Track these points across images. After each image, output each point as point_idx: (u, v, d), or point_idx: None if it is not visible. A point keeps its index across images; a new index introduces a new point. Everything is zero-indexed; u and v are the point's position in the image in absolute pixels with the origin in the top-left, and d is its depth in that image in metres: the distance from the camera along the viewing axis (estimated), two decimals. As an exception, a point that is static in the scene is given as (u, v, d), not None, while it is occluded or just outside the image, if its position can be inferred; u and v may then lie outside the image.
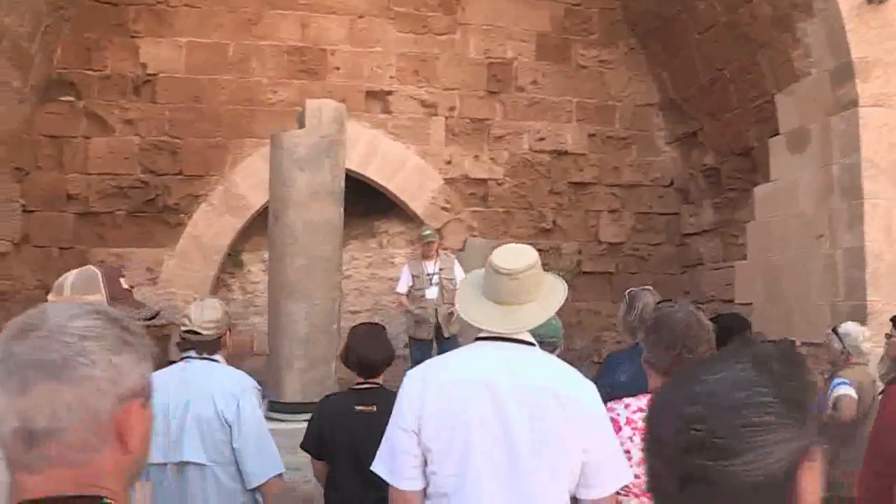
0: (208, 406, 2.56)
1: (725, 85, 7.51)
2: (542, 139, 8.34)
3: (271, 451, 2.62)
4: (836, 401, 3.64)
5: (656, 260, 8.56)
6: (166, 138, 7.65)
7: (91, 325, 1.01)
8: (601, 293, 8.33)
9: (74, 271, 1.94)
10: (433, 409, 1.92)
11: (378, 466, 2.00)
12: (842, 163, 6.08)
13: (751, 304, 7.22)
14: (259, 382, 6.23)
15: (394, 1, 8.11)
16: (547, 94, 8.37)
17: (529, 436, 1.89)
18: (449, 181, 8.13)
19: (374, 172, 7.93)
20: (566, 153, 8.38)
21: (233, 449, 2.56)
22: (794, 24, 6.37)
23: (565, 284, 2.13)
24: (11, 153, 7.02)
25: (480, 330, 2.04)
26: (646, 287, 3.45)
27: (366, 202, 8.11)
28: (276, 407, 5.45)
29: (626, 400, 2.30)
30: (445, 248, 7.65)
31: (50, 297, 1.91)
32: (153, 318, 1.87)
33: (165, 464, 2.58)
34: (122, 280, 1.89)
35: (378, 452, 2.01)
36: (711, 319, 3.57)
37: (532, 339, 2.05)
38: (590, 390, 2.00)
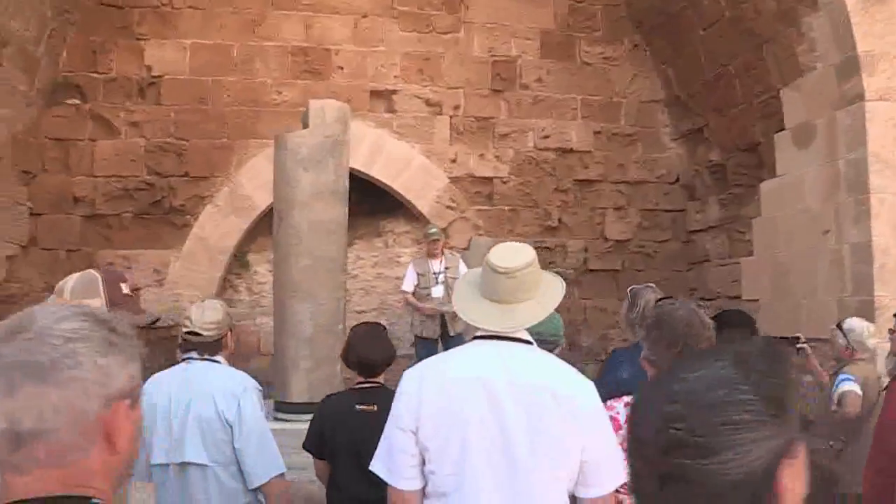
0: (209, 406, 2.57)
1: (730, 80, 7.48)
2: (547, 137, 8.33)
3: (273, 450, 2.63)
4: (841, 397, 3.61)
5: (662, 257, 8.54)
6: (172, 140, 7.69)
7: (78, 327, 1.02)
8: (607, 291, 8.31)
9: (76, 275, 1.95)
10: (430, 409, 1.92)
11: (376, 466, 2.00)
12: (848, 157, 6.04)
13: (757, 300, 7.19)
14: (266, 382, 6.26)
15: (397, 0, 8.11)
16: (551, 92, 8.35)
17: (527, 435, 1.89)
18: (454, 180, 8.13)
19: (379, 172, 7.94)
20: (571, 151, 8.37)
21: (234, 449, 2.57)
22: (799, 18, 6.34)
23: (563, 282, 2.13)
24: (18, 156, 7.06)
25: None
26: (648, 284, 3.44)
27: (371, 202, 8.12)
28: (282, 407, 5.47)
29: (627, 398, 2.30)
30: (451, 247, 7.66)
31: (50, 299, 1.93)
32: (154, 323, 1.87)
33: (167, 464, 2.59)
34: (123, 285, 1.90)
35: (376, 452, 2.01)
36: (715, 317, 3.57)
37: (530, 338, 2.05)
38: (588, 389, 1.99)
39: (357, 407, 2.78)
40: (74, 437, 0.98)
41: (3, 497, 0.99)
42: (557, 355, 3.02)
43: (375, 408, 2.68)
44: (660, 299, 2.85)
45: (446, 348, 6.32)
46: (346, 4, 8.01)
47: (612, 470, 1.92)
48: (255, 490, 2.61)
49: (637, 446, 0.84)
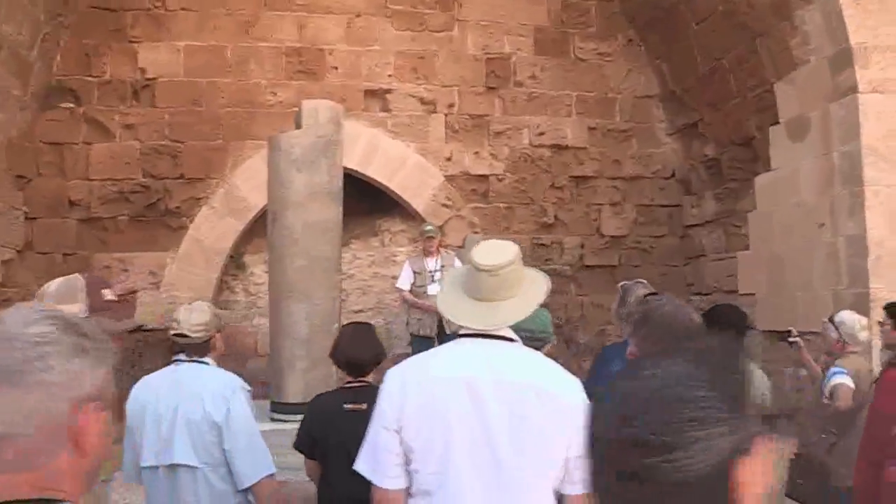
0: (198, 408, 2.57)
1: (725, 75, 7.47)
2: (542, 134, 8.32)
3: (262, 451, 2.63)
4: (833, 390, 3.61)
5: (659, 252, 8.54)
6: (166, 142, 7.69)
7: (46, 331, 1.02)
8: (604, 287, 8.30)
9: (59, 279, 1.96)
10: (413, 407, 1.92)
11: (361, 465, 2.01)
12: (842, 150, 6.04)
13: (754, 294, 7.19)
14: (262, 383, 6.26)
15: (390, -1, 8.12)
16: (546, 89, 8.35)
17: (511, 433, 1.89)
18: (450, 178, 8.13)
19: (375, 171, 7.94)
20: (566, 147, 8.36)
21: (223, 450, 2.57)
22: (792, 11, 6.33)
23: (548, 279, 2.13)
24: (13, 161, 7.06)
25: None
26: (639, 280, 3.44)
27: (367, 201, 8.12)
28: (278, 407, 5.48)
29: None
30: (447, 246, 7.66)
31: (33, 303, 1.93)
32: (137, 330, 1.88)
33: (157, 466, 2.59)
34: (106, 291, 1.91)
35: (360, 451, 2.01)
36: (707, 311, 3.57)
37: (514, 336, 2.05)
38: (573, 386, 1.99)
39: (346, 406, 2.78)
40: (43, 441, 0.99)
41: (-28, 500, 0.99)
42: (549, 352, 3.04)
43: (365, 406, 2.68)
44: (646, 295, 2.85)
45: (442, 347, 6.31)
46: (339, 4, 8.01)
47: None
48: (245, 491, 2.62)
49: (595, 444, 0.84)
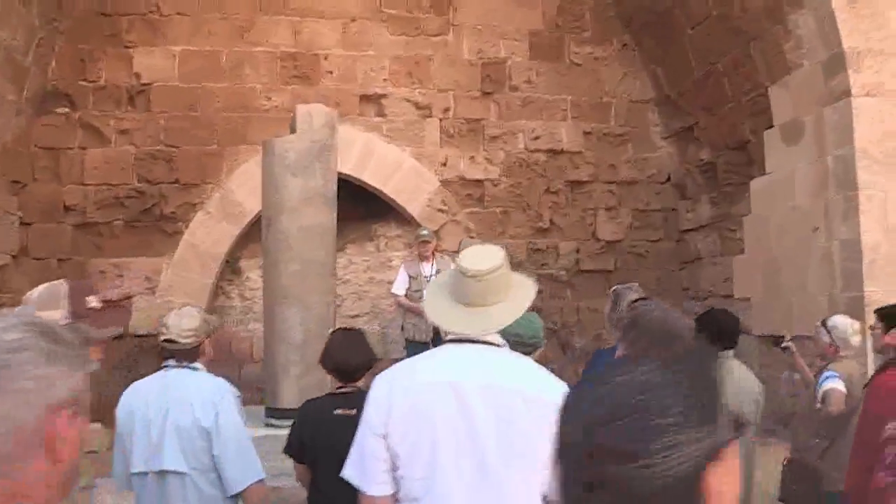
0: (187, 414, 2.57)
1: (719, 79, 7.48)
2: (537, 138, 8.33)
3: (251, 457, 2.63)
4: (825, 394, 3.61)
5: (655, 256, 8.54)
6: (162, 147, 7.69)
7: (19, 337, 1.02)
8: (600, 292, 8.28)
9: (43, 286, 1.95)
10: (399, 413, 1.91)
11: (348, 472, 2.00)
12: (836, 154, 6.05)
13: (749, 298, 7.19)
14: (259, 388, 6.23)
15: (385, 3, 8.12)
16: (541, 93, 8.36)
17: (498, 438, 1.88)
18: (445, 183, 8.13)
19: (370, 176, 7.94)
20: (562, 151, 8.37)
21: (212, 456, 2.57)
22: (785, 15, 6.34)
23: (535, 284, 2.12)
24: (8, 166, 7.06)
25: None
26: (630, 284, 3.44)
27: (363, 206, 8.12)
28: (272, 413, 5.47)
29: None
30: (443, 250, 7.65)
31: (19, 309, 1.92)
32: (120, 337, 1.88)
33: (146, 472, 2.59)
34: (90, 298, 1.90)
35: (348, 457, 2.01)
36: (700, 315, 3.57)
37: (501, 341, 2.04)
38: (560, 391, 1.99)
39: (336, 411, 2.78)
40: (15, 448, 0.98)
41: (-57, 508, 0.99)
42: (540, 357, 3.03)
43: (355, 412, 2.68)
44: (635, 300, 2.85)
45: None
46: (334, 9, 8.02)
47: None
48: (235, 497, 2.61)
49: (562, 451, 0.83)
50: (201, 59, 7.77)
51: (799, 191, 6.50)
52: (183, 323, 2.67)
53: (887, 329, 3.37)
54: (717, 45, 7.31)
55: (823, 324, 4.01)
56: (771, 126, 6.85)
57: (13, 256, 7.14)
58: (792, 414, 5.08)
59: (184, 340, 2.65)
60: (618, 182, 8.49)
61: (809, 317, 6.08)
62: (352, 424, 2.11)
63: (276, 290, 5.62)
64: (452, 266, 7.00)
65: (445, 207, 8.10)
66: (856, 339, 3.90)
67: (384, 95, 8.07)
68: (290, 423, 4.87)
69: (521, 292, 2.06)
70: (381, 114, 8.08)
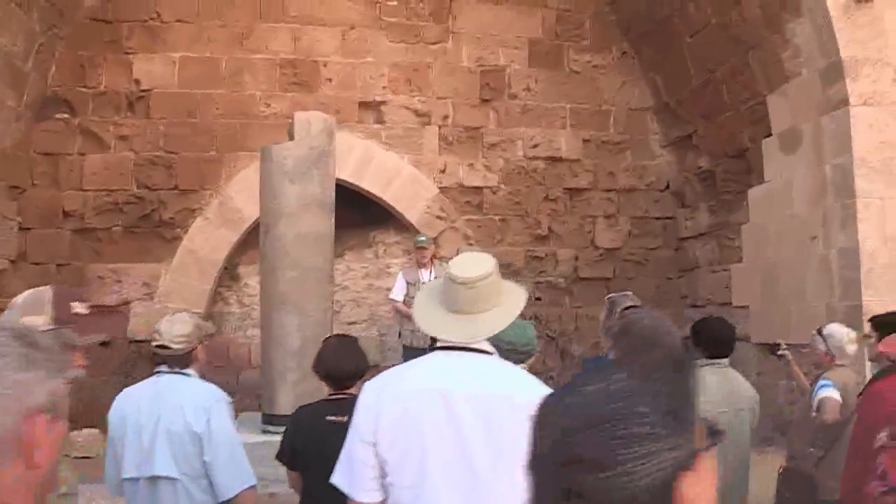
0: (179, 420, 2.56)
1: (718, 87, 7.50)
2: (536, 146, 8.34)
3: (243, 463, 2.62)
4: (820, 403, 3.61)
5: (653, 264, 8.53)
6: (161, 153, 7.70)
7: None
8: (599, 299, 8.24)
9: (28, 291, 1.96)
10: (388, 420, 1.91)
11: (337, 478, 1.99)
12: (834, 162, 6.05)
13: (747, 306, 7.18)
14: (258, 395, 6.21)
15: (385, 11, 8.15)
16: (540, 101, 8.37)
17: (486, 446, 1.88)
18: (443, 190, 8.14)
19: (369, 183, 7.95)
20: (561, 159, 8.38)
21: (204, 462, 2.56)
22: (783, 24, 6.36)
23: (525, 292, 2.12)
24: (7, 171, 7.08)
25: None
26: (625, 292, 3.43)
27: (361, 213, 8.13)
28: (269, 419, 5.46)
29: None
30: (441, 258, 7.65)
31: (4, 314, 1.93)
32: (106, 343, 1.88)
33: (138, 478, 2.58)
34: (76, 303, 1.91)
35: (337, 464, 2.00)
36: (696, 324, 3.56)
37: (490, 348, 2.04)
38: (549, 398, 1.98)
39: (328, 418, 2.77)
40: None
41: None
42: (533, 364, 3.03)
43: (347, 418, 2.67)
44: (626, 308, 2.84)
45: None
46: (333, 16, 8.04)
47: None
48: (226, 503, 2.60)
49: (535, 461, 0.83)
50: (201, 65, 7.80)
51: (797, 199, 6.50)
52: (175, 329, 2.67)
53: (881, 337, 3.37)
54: (715, 53, 7.32)
55: (819, 332, 4.01)
56: (769, 134, 6.86)
57: (12, 262, 7.15)
58: (790, 422, 5.06)
59: (176, 346, 2.65)
60: (617, 190, 8.50)
61: (807, 325, 6.06)
62: (343, 431, 2.11)
63: (273, 296, 5.62)
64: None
65: (444, 214, 8.10)
66: (851, 348, 3.89)
67: (383, 102, 8.09)
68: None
69: (512, 300, 2.06)
70: (380, 121, 8.09)
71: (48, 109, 7.54)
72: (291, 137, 5.80)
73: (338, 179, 6.06)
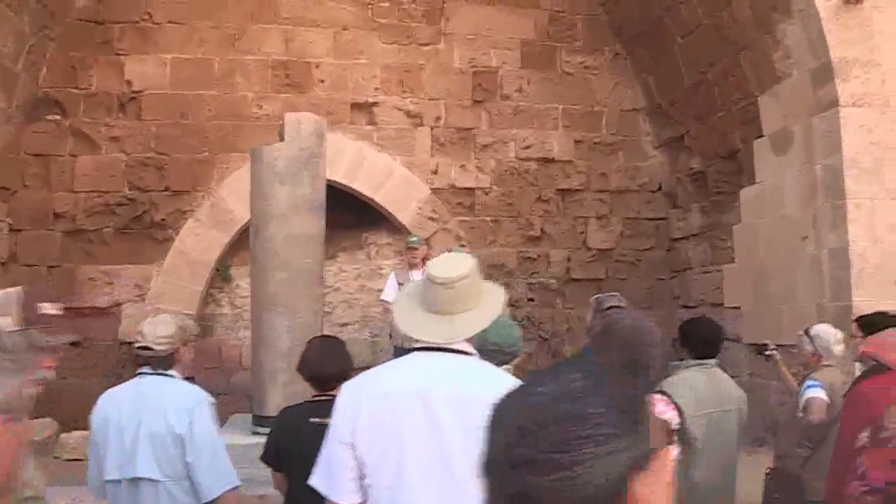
0: (161, 421, 2.55)
1: (709, 88, 7.51)
2: (528, 147, 8.34)
3: (225, 464, 2.61)
4: (807, 403, 3.61)
5: (645, 265, 8.54)
6: (152, 154, 7.69)
7: None
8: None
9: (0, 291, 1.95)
10: (366, 421, 1.90)
11: (315, 480, 1.99)
12: (824, 163, 6.06)
13: (739, 307, 7.19)
14: (249, 396, 6.21)
15: (377, 12, 8.15)
16: (532, 102, 8.38)
17: (464, 447, 1.87)
18: (436, 191, 8.13)
19: (361, 184, 7.95)
20: (553, 160, 8.38)
21: (186, 463, 2.55)
22: (773, 25, 6.37)
23: (504, 292, 2.12)
24: (-3, 173, 7.07)
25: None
26: (612, 293, 3.42)
27: (353, 214, 8.12)
28: (259, 421, 5.45)
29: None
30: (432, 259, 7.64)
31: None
32: (75, 344, 1.87)
33: (119, 480, 2.57)
34: (46, 304, 1.90)
35: (316, 466, 2.00)
36: (683, 324, 3.56)
37: (470, 349, 2.03)
38: (529, 398, 1.98)
39: (311, 419, 2.77)
40: None
41: None
42: (519, 364, 3.02)
43: (329, 420, 2.67)
44: (608, 308, 2.84)
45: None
46: (326, 17, 8.04)
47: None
48: (209, 504, 2.60)
49: (487, 463, 0.82)
50: (193, 66, 7.79)
51: (788, 200, 6.51)
52: (158, 330, 2.66)
53: (866, 337, 3.37)
54: (707, 54, 7.33)
55: (806, 332, 4.01)
56: (761, 135, 6.87)
57: (2, 263, 7.14)
58: (777, 422, 5.06)
59: (158, 347, 2.64)
60: (609, 191, 8.50)
61: (798, 325, 6.04)
62: (326, 433, 2.10)
63: (263, 297, 5.61)
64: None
65: (436, 215, 8.10)
66: (838, 348, 3.89)
67: (375, 104, 8.09)
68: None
69: (491, 301, 2.05)
70: (372, 122, 8.09)
71: (39, 111, 7.52)
72: (282, 139, 5.79)
73: (330, 181, 6.06)
